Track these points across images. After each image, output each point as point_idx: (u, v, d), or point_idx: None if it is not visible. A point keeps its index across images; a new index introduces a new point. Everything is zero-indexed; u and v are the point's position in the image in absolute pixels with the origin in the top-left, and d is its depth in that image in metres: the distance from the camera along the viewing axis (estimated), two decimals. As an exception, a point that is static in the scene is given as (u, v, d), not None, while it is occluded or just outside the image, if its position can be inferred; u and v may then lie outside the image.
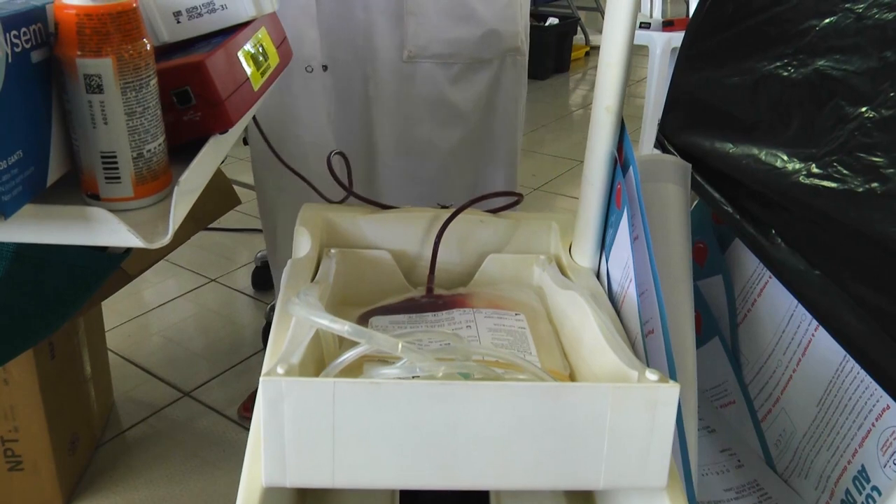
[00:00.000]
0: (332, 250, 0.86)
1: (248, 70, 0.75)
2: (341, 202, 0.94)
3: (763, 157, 0.80)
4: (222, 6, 0.75)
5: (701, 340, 0.99)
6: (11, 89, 0.54)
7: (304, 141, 1.36)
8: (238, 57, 0.73)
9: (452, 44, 1.27)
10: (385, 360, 0.62)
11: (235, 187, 1.81)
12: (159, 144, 0.63)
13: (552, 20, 4.89)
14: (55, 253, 0.81)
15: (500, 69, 1.34)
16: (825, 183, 0.70)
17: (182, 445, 1.80)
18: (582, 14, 5.72)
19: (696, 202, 1.03)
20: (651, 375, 0.55)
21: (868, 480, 0.76)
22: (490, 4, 1.29)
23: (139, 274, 1.57)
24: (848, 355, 0.76)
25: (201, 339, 2.21)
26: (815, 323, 0.83)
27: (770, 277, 0.90)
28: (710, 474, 0.91)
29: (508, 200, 0.94)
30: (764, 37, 0.88)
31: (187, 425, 1.88)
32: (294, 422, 0.51)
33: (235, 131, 0.74)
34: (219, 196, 1.71)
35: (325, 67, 1.30)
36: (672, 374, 0.64)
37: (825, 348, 0.81)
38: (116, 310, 2.25)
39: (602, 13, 5.99)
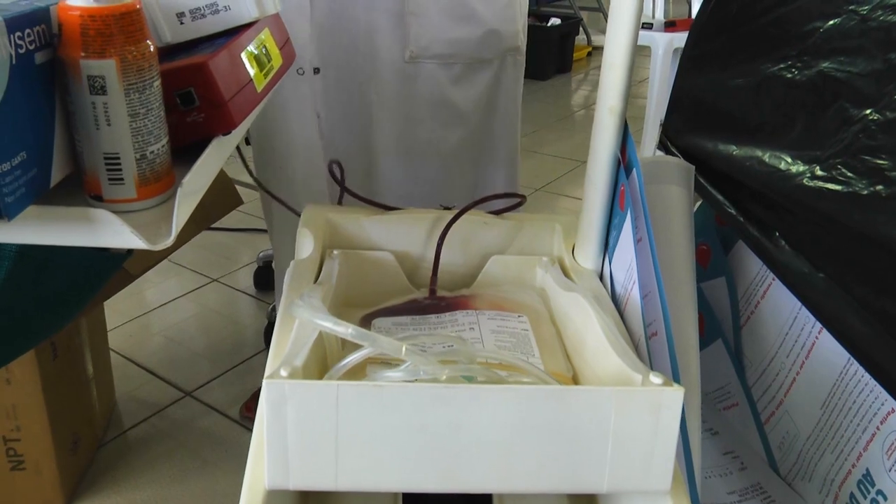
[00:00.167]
0: (335, 251, 0.86)
1: (252, 71, 0.74)
2: (339, 203, 0.94)
3: (767, 160, 0.80)
4: (225, 7, 0.74)
5: (704, 342, 0.99)
6: (15, 91, 0.54)
7: (291, 143, 1.36)
8: (241, 58, 0.73)
9: (454, 44, 1.28)
10: (388, 362, 0.62)
11: (237, 187, 1.81)
12: (163, 146, 0.63)
13: (554, 20, 4.89)
14: (58, 253, 0.81)
15: (501, 69, 1.35)
16: (829, 185, 0.70)
17: (184, 445, 1.80)
18: (584, 14, 5.72)
19: (699, 204, 1.02)
20: (655, 379, 0.55)
21: (873, 484, 0.76)
22: (490, 4, 1.29)
23: (141, 274, 1.56)
24: (852, 358, 0.76)
25: (203, 339, 2.21)
26: (818, 325, 0.83)
27: (773, 280, 0.90)
28: (713, 477, 0.91)
29: (511, 202, 0.93)
30: (768, 38, 0.88)
31: (189, 425, 1.88)
32: (297, 424, 0.51)
33: (239, 132, 0.74)
34: (221, 196, 1.71)
35: (316, 70, 1.30)
36: (676, 377, 0.64)
37: (829, 351, 0.81)
38: (118, 309, 2.25)
39: (604, 13, 5.99)
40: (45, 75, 0.58)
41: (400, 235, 0.90)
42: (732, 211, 0.84)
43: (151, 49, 0.61)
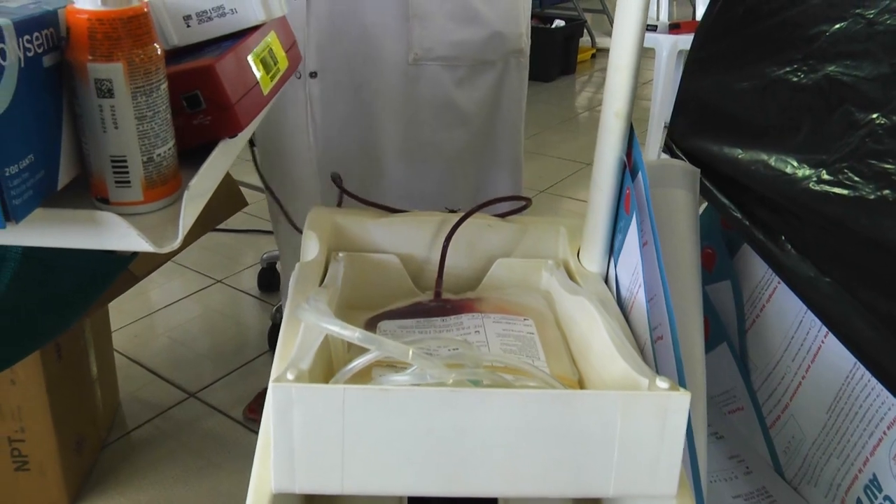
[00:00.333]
0: (340, 254, 0.86)
1: (258, 74, 0.75)
2: (338, 205, 0.94)
3: (772, 163, 0.80)
4: (232, 10, 0.74)
5: (709, 346, 0.99)
6: (23, 94, 0.54)
7: (285, 147, 1.37)
8: (248, 61, 0.73)
9: (458, 46, 1.28)
10: (394, 365, 0.62)
11: (242, 188, 1.82)
12: (169, 149, 0.63)
13: (558, 22, 4.89)
14: (63, 255, 0.81)
15: (504, 71, 1.35)
16: (836, 190, 0.70)
17: (187, 446, 1.81)
18: (588, 16, 5.72)
19: (704, 207, 1.02)
20: (661, 383, 0.55)
21: (880, 490, 0.76)
22: (494, 6, 1.29)
23: (146, 275, 1.57)
24: (858, 362, 0.76)
25: (207, 340, 2.21)
26: (824, 329, 0.83)
27: (779, 283, 0.89)
28: (718, 481, 0.91)
29: (516, 204, 0.93)
30: (774, 41, 0.88)
31: (193, 426, 1.88)
32: (304, 428, 0.51)
33: (245, 135, 0.74)
34: (226, 198, 1.71)
35: (313, 74, 1.30)
36: (681, 381, 0.64)
37: (835, 355, 0.81)
38: (122, 310, 2.25)
39: (608, 15, 5.99)
40: (52, 78, 0.58)
41: (405, 238, 0.91)
42: (738, 214, 0.84)
43: (158, 52, 0.61)
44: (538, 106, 4.38)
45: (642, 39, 0.81)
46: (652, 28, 3.76)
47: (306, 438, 0.52)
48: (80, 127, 0.61)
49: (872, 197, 0.67)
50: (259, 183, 1.56)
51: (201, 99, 0.67)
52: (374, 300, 0.85)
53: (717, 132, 0.92)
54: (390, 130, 1.30)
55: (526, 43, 1.37)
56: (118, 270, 1.11)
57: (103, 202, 0.62)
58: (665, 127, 3.89)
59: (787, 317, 0.88)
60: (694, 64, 1.03)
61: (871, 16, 0.74)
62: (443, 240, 0.89)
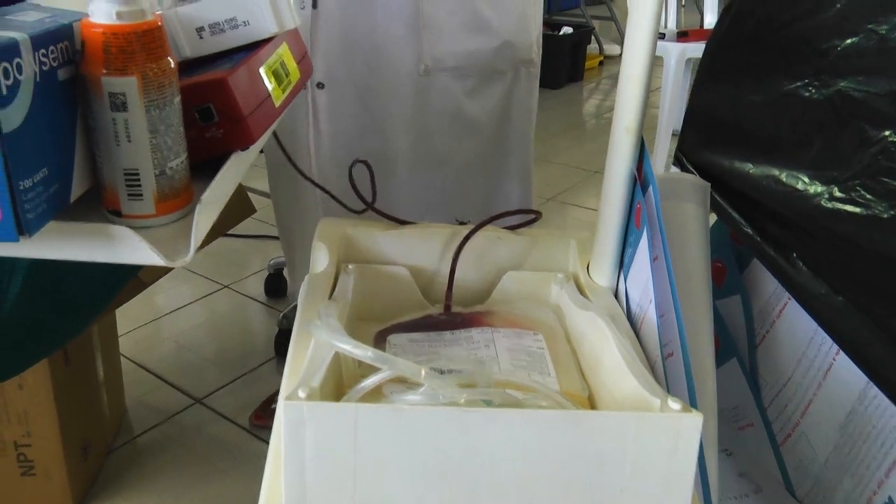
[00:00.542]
0: (350, 266, 0.86)
1: (270, 86, 0.75)
2: (360, 213, 0.94)
3: (784, 179, 0.80)
4: (244, 22, 0.75)
5: (718, 361, 0.98)
6: (38, 107, 0.54)
7: (294, 159, 1.37)
8: (260, 73, 0.73)
9: (468, 56, 1.28)
10: (406, 380, 0.62)
11: (249, 194, 1.82)
12: (181, 162, 0.63)
13: (566, 29, 4.89)
14: (72, 264, 0.81)
15: (514, 80, 1.35)
16: (848, 207, 0.70)
17: (193, 452, 1.80)
18: (596, 23, 5.72)
19: (714, 221, 1.02)
20: (674, 404, 0.54)
21: (894, 513, 0.75)
22: (504, 17, 1.29)
23: (154, 281, 1.57)
24: (871, 381, 0.75)
25: (213, 346, 2.21)
26: (836, 347, 0.82)
27: (789, 299, 0.89)
28: (728, 499, 0.91)
29: (526, 216, 0.93)
30: (785, 55, 0.88)
31: (198, 432, 1.88)
32: (315, 446, 0.51)
33: (256, 147, 0.74)
34: (234, 204, 1.71)
35: (320, 85, 1.30)
36: (692, 400, 0.64)
37: (847, 372, 0.80)
38: (129, 315, 2.25)
39: (616, 22, 5.99)
40: (67, 91, 0.59)
41: (415, 250, 0.90)
42: (748, 230, 0.84)
43: (172, 66, 0.61)
44: (546, 113, 4.37)
45: (653, 53, 0.81)
46: (660, 36, 3.76)
47: (318, 457, 0.52)
48: (93, 140, 0.61)
49: (886, 215, 0.67)
50: (266, 188, 1.56)
51: (214, 112, 0.67)
52: (383, 312, 0.85)
53: (728, 146, 0.92)
54: (400, 141, 1.30)
55: (537, 53, 1.36)
56: (127, 278, 1.11)
57: (115, 215, 0.62)
58: (673, 135, 3.89)
59: (798, 333, 0.87)
60: (704, 76, 1.03)
61: (884, 31, 0.74)
62: (453, 252, 0.88)
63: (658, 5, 0.79)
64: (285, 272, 2.45)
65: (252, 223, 2.58)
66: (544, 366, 0.73)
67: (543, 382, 0.68)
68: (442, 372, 0.57)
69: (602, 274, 0.86)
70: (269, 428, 1.88)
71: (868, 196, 0.69)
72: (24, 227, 0.54)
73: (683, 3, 5.34)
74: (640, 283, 0.79)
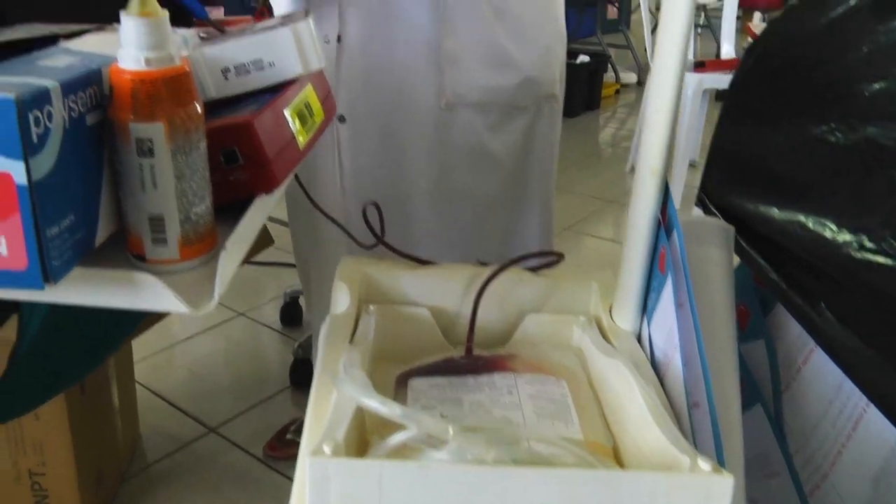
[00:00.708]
0: (371, 307, 0.86)
1: (295, 128, 0.75)
2: (370, 248, 0.93)
3: (810, 226, 0.79)
4: (270, 63, 0.75)
5: (743, 407, 0.96)
6: (67, 154, 0.54)
7: (314, 193, 1.36)
8: (285, 115, 0.73)
9: (490, 91, 1.27)
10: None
11: (267, 222, 1.82)
12: (206, 207, 0.63)
13: (583, 58, 4.91)
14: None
15: (537, 116, 1.34)
16: (879, 259, 0.69)
17: (206, 482, 1.80)
18: (612, 51, 5.74)
19: (737, 263, 1.01)
20: (704, 465, 0.53)
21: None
22: (527, 52, 1.28)
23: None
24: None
25: (228, 374, 2.21)
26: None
27: (816, 345, 0.88)
28: (754, 552, 0.89)
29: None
30: (811, 97, 0.87)
31: (212, 461, 1.87)
32: (341, 503, 0.51)
33: (280, 189, 0.74)
34: (252, 235, 1.71)
35: (342, 119, 1.30)
36: (719, 453, 0.62)
37: (879, 425, 0.79)
38: (144, 342, 2.25)
39: (633, 51, 6.00)
40: (95, 136, 0.59)
41: (436, 291, 0.90)
42: (774, 276, 0.83)
43: (199, 111, 0.61)
44: (562, 142, 4.36)
45: (679, 95, 0.80)
46: (677, 66, 3.75)
47: (342, 513, 0.51)
48: (119, 184, 0.61)
49: (918, 267, 0.66)
50: (283, 216, 1.56)
51: (239, 155, 0.67)
52: (404, 353, 0.85)
53: (752, 188, 0.91)
54: (420, 176, 1.30)
55: (560, 88, 1.36)
56: (146, 314, 1.11)
57: (139, 259, 0.62)
58: (690, 166, 3.88)
59: (825, 381, 0.86)
60: (728, 115, 1.02)
61: (913, 76, 0.73)
62: (474, 293, 0.88)
63: (683, 56, 0.79)
64: (301, 300, 2.45)
65: (268, 250, 2.58)
66: (568, 414, 0.72)
67: (569, 433, 0.67)
68: (469, 428, 0.56)
69: (625, 318, 0.85)
70: (283, 459, 1.88)
71: (899, 247, 0.68)
72: (49, 275, 0.54)
73: (699, 31, 5.34)
74: (665, 329, 0.78)
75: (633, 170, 3.99)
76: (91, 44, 0.67)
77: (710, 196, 1.00)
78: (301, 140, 0.75)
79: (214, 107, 0.73)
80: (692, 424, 0.69)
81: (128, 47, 0.57)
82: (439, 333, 0.89)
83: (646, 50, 4.04)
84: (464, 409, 0.71)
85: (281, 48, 0.74)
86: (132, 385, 1.89)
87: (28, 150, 0.50)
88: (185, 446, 1.92)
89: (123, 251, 0.63)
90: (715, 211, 0.98)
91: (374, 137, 1.30)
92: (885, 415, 0.69)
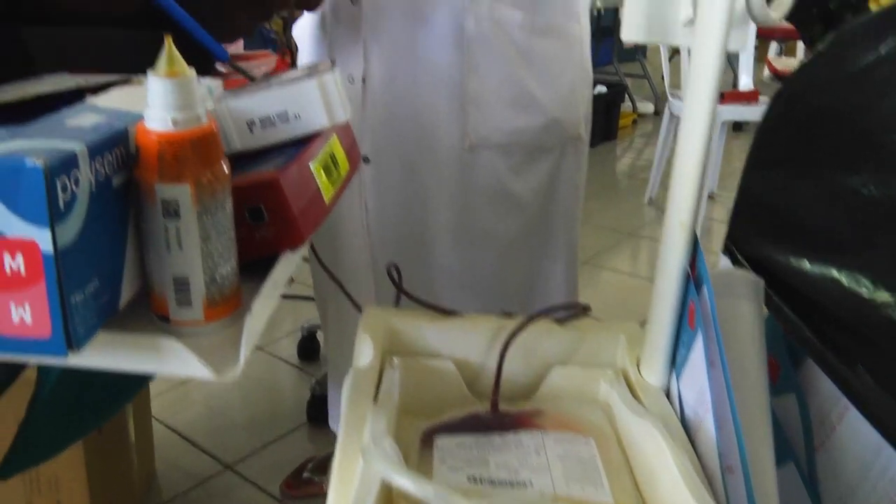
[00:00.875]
0: (396, 360, 0.84)
1: (320, 182, 0.74)
2: (396, 305, 0.92)
3: (845, 283, 0.77)
4: (296, 116, 0.74)
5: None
6: (92, 218, 0.53)
7: (339, 233, 1.36)
8: (310, 169, 0.72)
9: (514, 133, 1.26)
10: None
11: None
12: (231, 267, 0.62)
13: (600, 88, 4.91)
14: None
15: (561, 157, 1.32)
16: (919, 321, 0.67)
17: (222, 521, 1.78)
18: (629, 81, 5.74)
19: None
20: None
21: None
22: (552, 93, 1.27)
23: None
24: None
25: (244, 410, 2.19)
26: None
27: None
28: None
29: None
30: (842, 148, 0.85)
31: (227, 499, 1.86)
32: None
33: (305, 245, 0.73)
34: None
35: (366, 159, 1.29)
36: (756, 523, 0.61)
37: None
38: (160, 377, 2.24)
39: (650, 80, 6.00)
40: (121, 198, 0.58)
41: (461, 343, 0.89)
42: (807, 333, 0.81)
43: (225, 170, 0.60)
44: (579, 172, 4.37)
45: (709, 148, 0.79)
46: (695, 98, 3.74)
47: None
48: (143, 244, 0.60)
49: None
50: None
51: (264, 212, 0.66)
52: (429, 406, 0.83)
53: (781, 239, 0.90)
54: (443, 217, 1.29)
55: (585, 129, 1.35)
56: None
57: (163, 320, 0.61)
58: (709, 198, 3.87)
59: (863, 441, 0.83)
60: (755, 162, 1.01)
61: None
62: (499, 346, 0.86)
63: (713, 110, 0.77)
64: (319, 335, 2.44)
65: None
66: (597, 476, 0.70)
67: (598, 497, 0.66)
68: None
69: (653, 372, 0.84)
70: (300, 498, 1.86)
71: (939, 308, 0.66)
72: (73, 343, 0.53)
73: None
74: (695, 387, 0.76)
75: (651, 202, 4.00)
76: (117, 99, 0.66)
77: (738, 245, 0.98)
78: (327, 194, 0.74)
79: (238, 159, 0.72)
80: (726, 490, 0.67)
81: (154, 107, 0.57)
82: (464, 386, 0.87)
83: (663, 79, 4.04)
84: (491, 471, 0.70)
85: (307, 101, 0.73)
86: (149, 421, 1.88)
87: (55, 218, 0.49)
88: (200, 483, 1.90)
89: (146, 309, 0.62)
90: (743, 261, 0.96)
91: (398, 177, 1.29)
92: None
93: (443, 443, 0.74)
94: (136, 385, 1.06)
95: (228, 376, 0.57)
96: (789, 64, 2.59)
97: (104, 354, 0.57)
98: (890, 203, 0.77)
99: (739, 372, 0.78)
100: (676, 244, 0.80)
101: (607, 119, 5.03)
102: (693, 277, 0.80)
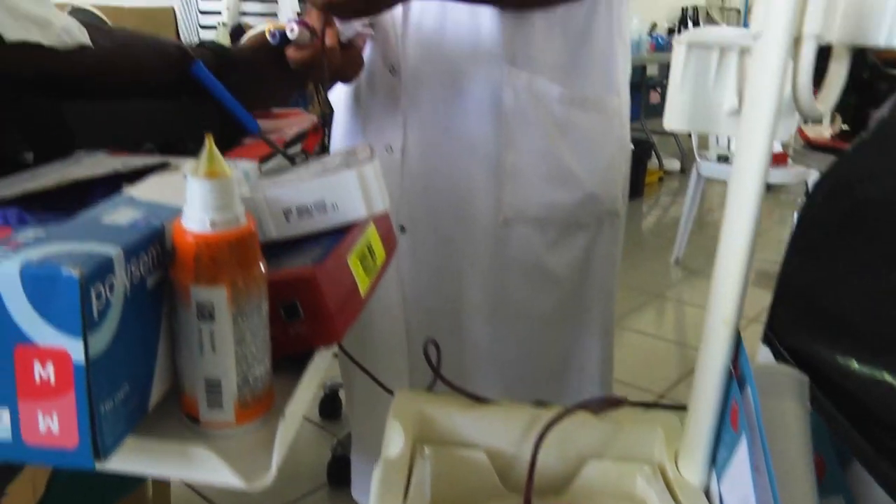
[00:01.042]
0: (427, 450, 0.82)
1: (357, 275, 0.72)
2: (430, 388, 0.90)
3: (897, 387, 0.74)
4: (333, 206, 0.73)
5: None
6: (125, 323, 0.52)
7: (372, 305, 1.34)
8: (347, 263, 0.71)
9: (550, 208, 1.24)
10: None
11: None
12: (265, 368, 0.60)
13: (627, 145, 4.90)
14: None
15: (598, 232, 1.30)
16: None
17: (239, 589, 1.74)
18: (656, 138, 5.73)
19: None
20: None
21: None
22: (590, 168, 1.25)
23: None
24: None
25: (264, 470, 2.16)
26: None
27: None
28: None
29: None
30: (890, 243, 0.83)
31: (245, 564, 1.82)
32: None
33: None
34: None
35: (402, 229, 1.28)
36: None
37: None
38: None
39: (675, 136, 6.00)
40: (155, 298, 0.56)
41: (493, 433, 0.86)
42: (858, 438, 0.78)
43: (262, 271, 0.58)
44: (605, 229, 4.35)
45: (754, 243, 0.77)
46: (724, 159, 3.74)
47: None
48: (175, 344, 0.58)
49: None
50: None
51: (300, 309, 0.65)
52: (459, 497, 0.81)
53: (827, 334, 0.87)
54: (477, 289, 1.27)
55: (622, 204, 1.32)
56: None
57: (193, 421, 0.59)
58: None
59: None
60: (796, 251, 0.98)
61: None
62: (532, 437, 0.84)
63: (759, 199, 0.75)
64: (341, 393, 2.41)
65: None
66: (636, 588, 0.67)
67: None
68: None
69: (692, 471, 0.81)
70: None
71: None
72: (100, 452, 0.51)
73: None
74: (739, 492, 0.73)
75: (678, 261, 3.97)
76: (154, 190, 0.65)
77: (780, 335, 0.95)
78: (363, 286, 0.73)
79: (272, 247, 0.71)
80: None
81: (192, 207, 0.55)
82: (496, 478, 0.85)
83: (689, 136, 4.03)
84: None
85: (345, 191, 0.72)
86: (167, 482, 1.86)
87: (88, 327, 0.48)
88: (218, 546, 1.87)
89: (175, 408, 0.60)
90: (784, 352, 0.93)
91: (433, 248, 1.28)
92: None
93: (475, 546, 0.72)
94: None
95: (259, 485, 0.55)
96: (821, 132, 2.57)
97: (131, 461, 0.55)
98: (943, 304, 0.74)
99: (786, 478, 0.75)
100: (719, 342, 0.78)
101: (633, 176, 4.97)
102: (736, 376, 0.78)
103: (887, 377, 0.75)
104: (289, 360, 0.66)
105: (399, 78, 1.22)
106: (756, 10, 0.74)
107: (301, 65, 1.11)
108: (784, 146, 4.00)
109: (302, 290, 0.64)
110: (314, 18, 1.09)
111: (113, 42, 0.98)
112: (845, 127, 2.50)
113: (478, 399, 0.89)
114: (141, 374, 0.56)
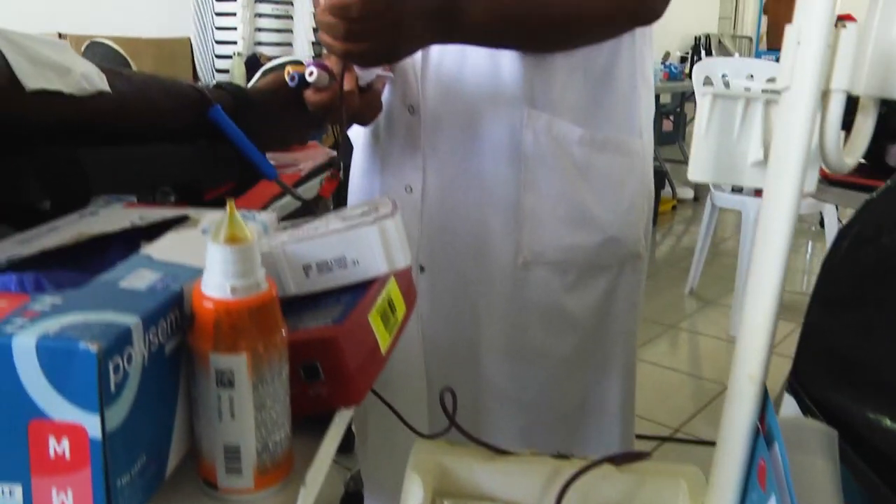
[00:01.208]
0: (447, 503, 0.81)
1: (378, 333, 0.71)
2: (442, 434, 0.88)
3: (930, 447, 0.72)
4: (354, 261, 0.71)
5: None
6: (143, 393, 0.51)
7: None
8: (369, 321, 0.69)
9: (569, 250, 1.22)
10: None
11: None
12: (285, 433, 0.59)
13: (640, 173, 4.89)
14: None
15: (619, 275, 1.28)
16: None
17: None
18: (669, 166, 5.72)
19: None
20: None
21: None
22: (611, 210, 1.23)
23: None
24: None
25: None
26: None
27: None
28: None
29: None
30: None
31: None
32: None
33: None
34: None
35: (422, 268, 1.27)
36: None
37: None
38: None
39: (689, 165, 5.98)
40: (173, 365, 0.55)
41: (513, 486, 0.85)
42: (891, 496, 0.76)
43: (283, 336, 0.57)
44: (618, 259, 4.33)
45: (780, 297, 0.75)
46: (738, 190, 3.73)
47: None
48: (194, 411, 0.57)
49: None
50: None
51: (320, 371, 0.63)
52: (477, 556, 0.79)
53: (855, 388, 0.85)
54: (495, 331, 1.25)
55: (644, 246, 1.30)
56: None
57: (211, 487, 0.58)
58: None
59: None
60: (821, 301, 0.96)
61: None
62: (553, 491, 0.82)
63: (786, 252, 0.74)
64: (353, 427, 2.39)
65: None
66: None
67: None
68: None
69: (719, 531, 0.79)
70: None
71: None
72: (116, 528, 0.50)
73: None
74: (768, 555, 0.71)
75: (692, 292, 3.95)
76: (172, 249, 0.64)
77: (805, 386, 0.93)
78: (384, 344, 0.71)
79: (291, 303, 0.70)
80: None
81: (212, 274, 0.54)
82: (516, 535, 0.83)
83: (704, 167, 4.01)
84: None
85: (366, 246, 0.71)
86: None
87: (104, 402, 0.47)
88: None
89: (193, 471, 0.59)
90: (810, 404, 0.91)
91: (451, 288, 1.26)
92: None
93: None
94: None
95: (279, 562, 0.53)
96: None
97: (148, 532, 0.54)
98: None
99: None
100: (745, 399, 0.76)
101: (647, 205, 5.00)
102: (763, 433, 0.76)
103: (920, 436, 0.73)
104: (307, 418, 0.65)
105: (418, 118, 1.22)
106: (784, 62, 0.73)
107: (319, 108, 1.10)
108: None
109: (323, 352, 0.63)
110: (333, 62, 1.09)
111: (131, 86, 0.98)
112: (863, 161, 2.48)
113: (498, 450, 0.87)
114: (158, 442, 0.54)
